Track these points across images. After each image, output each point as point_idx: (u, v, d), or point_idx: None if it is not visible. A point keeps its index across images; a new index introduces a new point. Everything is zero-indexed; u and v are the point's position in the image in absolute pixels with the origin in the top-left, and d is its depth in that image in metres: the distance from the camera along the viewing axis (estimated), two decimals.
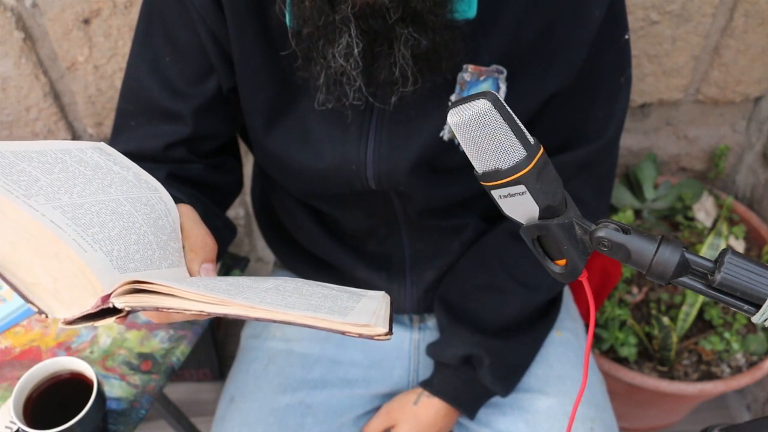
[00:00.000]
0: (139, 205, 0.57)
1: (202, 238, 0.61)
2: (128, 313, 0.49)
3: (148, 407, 0.84)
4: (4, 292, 0.93)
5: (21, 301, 0.91)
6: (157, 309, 0.47)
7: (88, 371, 0.77)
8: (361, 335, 0.45)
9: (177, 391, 1.62)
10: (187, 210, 0.63)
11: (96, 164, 0.58)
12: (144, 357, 0.88)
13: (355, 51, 0.64)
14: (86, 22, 1.08)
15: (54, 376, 0.78)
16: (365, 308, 0.49)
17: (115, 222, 0.54)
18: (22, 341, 0.89)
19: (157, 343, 0.90)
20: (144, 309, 0.48)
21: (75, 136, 1.26)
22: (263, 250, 1.59)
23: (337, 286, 0.57)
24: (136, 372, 0.87)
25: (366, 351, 0.98)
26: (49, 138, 1.24)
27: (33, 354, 0.88)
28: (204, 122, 0.77)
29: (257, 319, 0.46)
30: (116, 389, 0.85)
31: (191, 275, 0.60)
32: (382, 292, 0.56)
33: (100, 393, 0.76)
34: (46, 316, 0.50)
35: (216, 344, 1.56)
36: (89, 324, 0.50)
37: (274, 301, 0.47)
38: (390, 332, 0.46)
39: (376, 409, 0.96)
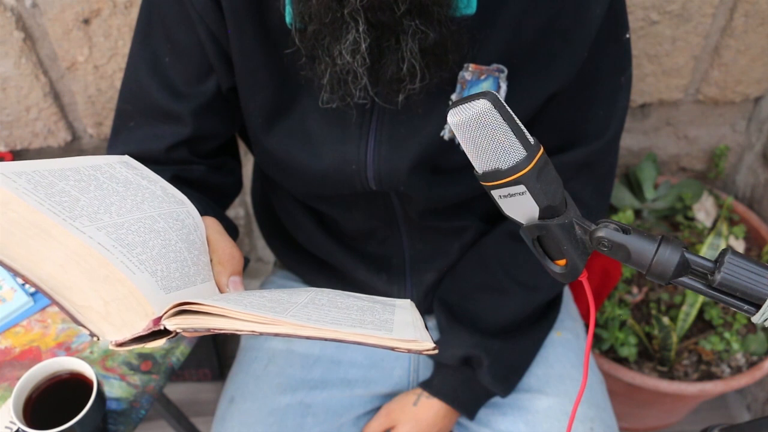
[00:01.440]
0: (171, 221, 0.57)
1: (230, 251, 0.61)
2: (177, 333, 0.49)
3: (148, 407, 0.84)
4: (4, 292, 0.93)
5: (21, 301, 0.91)
6: (209, 330, 0.47)
7: (88, 371, 0.77)
8: (410, 350, 0.46)
9: (177, 391, 1.63)
10: (212, 222, 0.63)
11: (126, 180, 0.59)
12: (144, 357, 0.88)
13: (363, 47, 0.64)
14: (86, 22, 1.08)
15: (54, 376, 0.78)
16: (403, 320, 0.50)
17: (155, 241, 0.54)
18: (22, 341, 0.89)
19: None
20: (196, 331, 0.47)
21: (75, 136, 1.26)
22: (263, 250, 1.59)
23: (366, 296, 0.58)
24: (136, 372, 0.87)
25: (366, 351, 0.98)
26: (49, 138, 1.24)
27: (33, 354, 0.88)
28: (203, 122, 0.77)
29: (307, 338, 0.46)
30: (116, 389, 0.85)
31: (219, 288, 0.60)
32: (409, 301, 0.57)
33: (100, 393, 0.76)
34: (98, 339, 0.50)
35: (216, 344, 1.56)
36: (140, 346, 0.50)
37: (320, 318, 0.47)
38: (436, 347, 0.47)
39: (376, 409, 0.96)
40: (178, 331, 0.47)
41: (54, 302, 0.50)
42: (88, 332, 0.50)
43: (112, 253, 0.49)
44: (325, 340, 0.45)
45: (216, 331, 0.47)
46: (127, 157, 0.63)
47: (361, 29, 0.63)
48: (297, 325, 0.46)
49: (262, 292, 0.55)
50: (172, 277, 0.53)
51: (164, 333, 0.49)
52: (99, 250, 0.49)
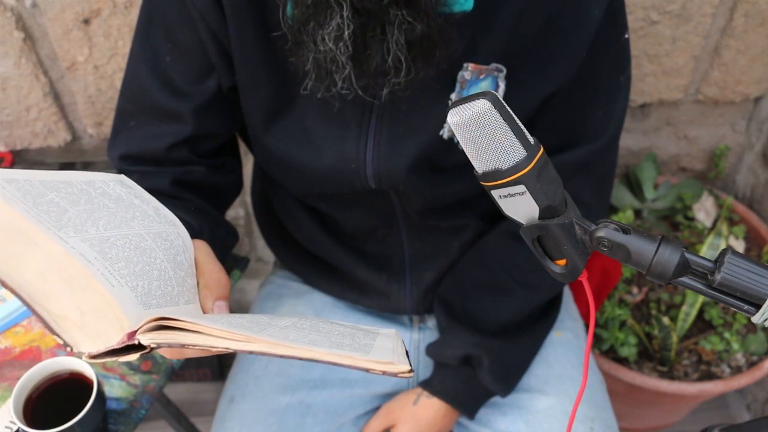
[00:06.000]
0: (160, 240, 0.58)
1: (217, 276, 0.61)
2: (152, 349, 0.49)
3: (148, 407, 0.84)
4: (4, 293, 0.93)
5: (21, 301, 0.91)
6: (182, 346, 0.47)
7: (88, 371, 0.77)
8: (385, 372, 0.45)
9: (177, 391, 1.63)
10: (202, 245, 0.63)
11: (118, 197, 0.59)
12: (144, 357, 0.88)
13: (345, 33, 0.62)
14: (86, 22, 1.08)
15: (54, 376, 0.78)
16: (383, 345, 0.50)
17: (139, 257, 0.54)
18: (22, 341, 0.89)
19: None
20: (170, 346, 0.48)
21: (75, 136, 1.26)
22: (263, 250, 1.59)
23: (351, 324, 0.58)
24: (136, 372, 0.87)
25: None
26: (49, 138, 1.24)
27: (33, 354, 0.88)
28: (204, 121, 0.77)
29: (281, 356, 0.45)
30: (116, 389, 0.85)
31: (204, 312, 0.60)
32: (394, 330, 0.57)
33: (100, 393, 0.76)
34: (71, 350, 0.50)
35: None
36: (113, 359, 0.49)
37: (297, 338, 0.47)
38: (412, 369, 0.46)
39: (376, 409, 0.96)
40: (152, 346, 0.47)
41: (30, 310, 0.50)
42: (62, 342, 0.50)
43: (93, 264, 0.49)
44: (301, 359, 0.45)
45: (190, 347, 0.47)
46: (123, 177, 0.63)
47: (345, 15, 0.61)
48: (271, 343, 0.46)
49: (244, 315, 0.55)
50: (153, 295, 0.53)
51: (138, 348, 0.49)
52: (80, 260, 0.49)
